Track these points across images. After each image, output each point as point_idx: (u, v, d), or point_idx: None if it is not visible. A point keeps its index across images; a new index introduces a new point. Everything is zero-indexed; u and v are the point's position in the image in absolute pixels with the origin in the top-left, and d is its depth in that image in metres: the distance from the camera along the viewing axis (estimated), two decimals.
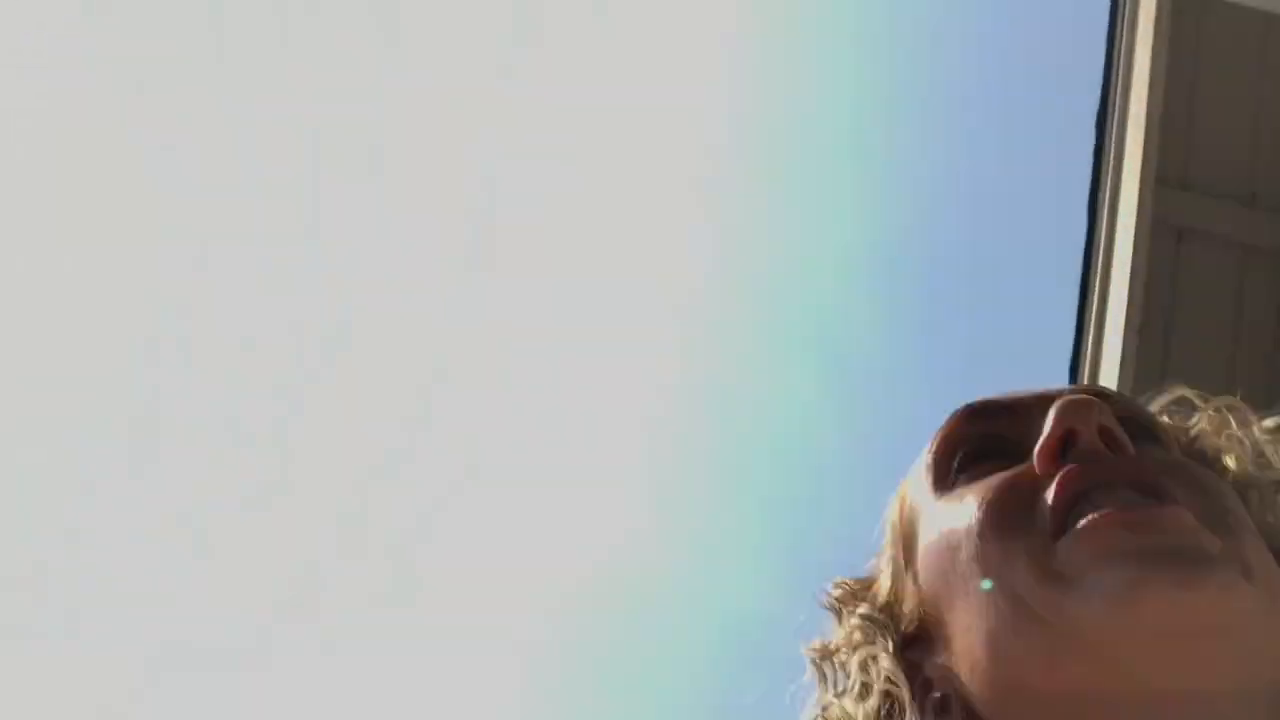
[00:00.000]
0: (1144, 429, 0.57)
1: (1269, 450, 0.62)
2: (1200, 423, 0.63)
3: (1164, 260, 2.81)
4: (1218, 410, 0.63)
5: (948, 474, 0.58)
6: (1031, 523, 0.51)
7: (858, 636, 0.59)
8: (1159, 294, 2.79)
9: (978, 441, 0.58)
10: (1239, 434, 0.62)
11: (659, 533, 4.75)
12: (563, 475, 4.85)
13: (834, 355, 4.77)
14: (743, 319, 4.91)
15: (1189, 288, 2.88)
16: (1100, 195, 2.84)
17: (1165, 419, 0.63)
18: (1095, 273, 2.83)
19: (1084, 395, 0.54)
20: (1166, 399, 0.65)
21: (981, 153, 4.74)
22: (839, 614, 0.62)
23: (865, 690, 0.57)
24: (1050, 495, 0.51)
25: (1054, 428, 0.53)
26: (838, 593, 0.63)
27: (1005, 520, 0.52)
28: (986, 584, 0.52)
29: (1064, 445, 0.52)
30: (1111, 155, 2.80)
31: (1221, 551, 0.48)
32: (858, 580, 0.63)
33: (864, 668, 0.58)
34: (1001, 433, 0.57)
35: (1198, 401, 0.64)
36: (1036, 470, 0.53)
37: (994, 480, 0.54)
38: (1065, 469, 0.51)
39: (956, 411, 0.60)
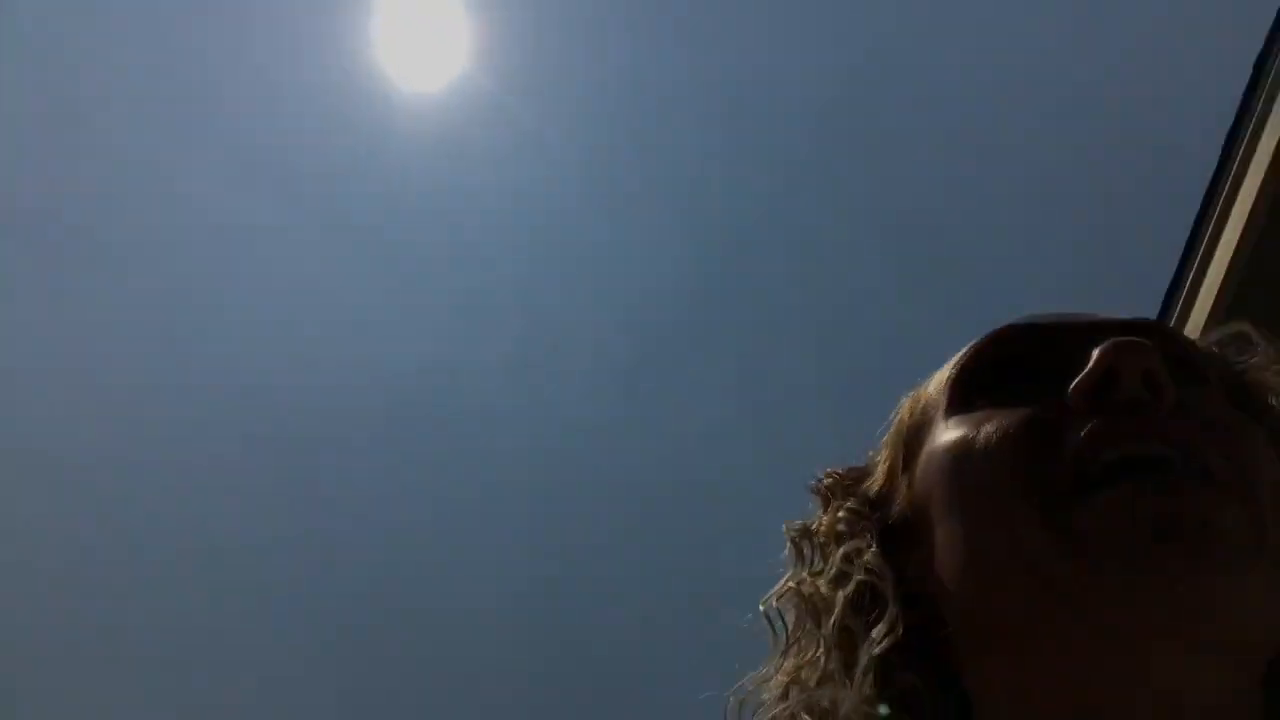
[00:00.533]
0: (1190, 370, 0.54)
1: None
2: (1253, 359, 0.60)
3: None
4: (1272, 346, 0.60)
5: (971, 390, 0.56)
6: (1052, 463, 0.49)
7: (842, 527, 0.60)
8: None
9: (1010, 362, 0.56)
10: None
11: None
12: None
13: None
14: None
15: None
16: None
17: (1217, 351, 0.60)
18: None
19: (1133, 337, 0.51)
20: (1225, 333, 0.62)
21: None
22: (826, 501, 0.63)
23: (844, 577, 0.58)
24: (1078, 444, 0.49)
25: (1096, 365, 0.50)
26: (828, 481, 0.64)
27: (1024, 455, 0.50)
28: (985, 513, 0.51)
29: (1104, 386, 0.50)
30: None
31: (1238, 525, 0.46)
32: (849, 470, 0.64)
33: (848, 558, 0.58)
34: (1038, 355, 0.55)
35: (1255, 337, 0.61)
36: (1070, 404, 0.50)
37: (1021, 412, 0.52)
38: (1096, 420, 0.49)
39: (996, 328, 0.58)
